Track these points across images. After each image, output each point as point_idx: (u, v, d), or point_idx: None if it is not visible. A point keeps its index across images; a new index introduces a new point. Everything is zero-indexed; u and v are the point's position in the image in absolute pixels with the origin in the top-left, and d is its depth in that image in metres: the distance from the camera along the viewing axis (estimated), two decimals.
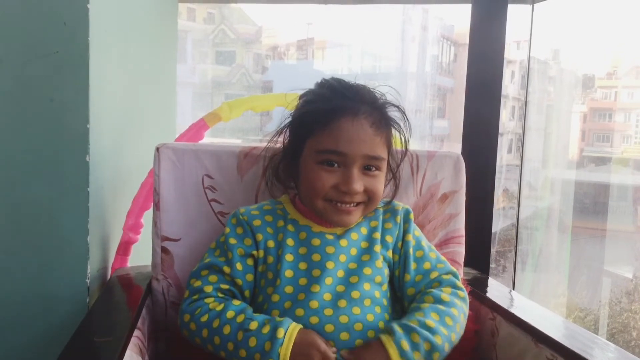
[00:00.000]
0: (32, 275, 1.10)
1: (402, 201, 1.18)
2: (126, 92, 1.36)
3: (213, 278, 0.97)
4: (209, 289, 0.96)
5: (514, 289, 1.36)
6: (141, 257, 1.29)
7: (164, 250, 1.13)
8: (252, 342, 0.88)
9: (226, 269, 0.97)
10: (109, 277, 1.25)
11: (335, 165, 0.96)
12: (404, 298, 1.00)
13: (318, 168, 0.97)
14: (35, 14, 1.06)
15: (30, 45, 1.06)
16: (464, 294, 1.00)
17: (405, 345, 0.87)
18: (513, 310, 1.07)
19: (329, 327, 0.92)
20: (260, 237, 1.00)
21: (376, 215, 1.05)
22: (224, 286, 0.97)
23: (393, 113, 1.03)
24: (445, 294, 0.97)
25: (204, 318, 0.93)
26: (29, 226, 1.10)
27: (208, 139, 1.53)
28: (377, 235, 1.02)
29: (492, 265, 1.62)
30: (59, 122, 1.07)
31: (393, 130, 1.03)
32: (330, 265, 0.97)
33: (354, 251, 0.99)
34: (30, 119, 1.07)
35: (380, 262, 0.99)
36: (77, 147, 1.08)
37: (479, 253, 1.48)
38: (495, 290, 1.21)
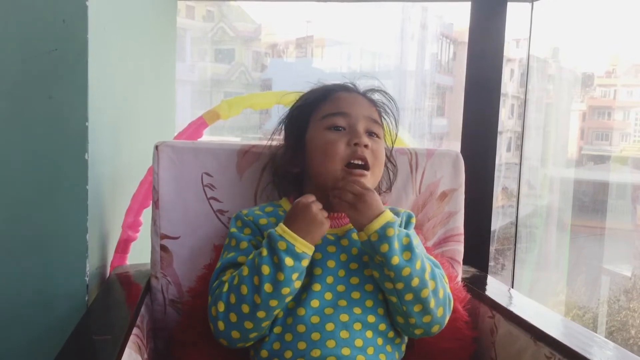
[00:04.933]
0: (31, 273, 1.10)
1: (401, 199, 1.19)
2: (125, 90, 1.36)
3: (230, 272, 0.96)
4: (226, 278, 0.95)
5: (513, 287, 1.36)
6: (140, 255, 1.29)
7: (163, 248, 1.13)
8: (263, 252, 0.90)
9: (241, 259, 0.97)
10: (107, 275, 1.25)
11: (342, 129, 1.01)
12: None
13: (327, 132, 1.01)
14: (34, 11, 1.05)
15: (29, 42, 1.06)
16: (450, 294, 0.98)
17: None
18: (512, 308, 1.07)
19: (330, 326, 0.92)
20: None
21: None
22: None
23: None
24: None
25: (225, 288, 0.92)
26: (27, 224, 1.09)
27: (207, 137, 1.53)
28: None
29: (491, 264, 1.62)
30: (57, 119, 1.07)
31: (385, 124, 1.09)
32: (331, 264, 0.97)
33: (354, 251, 0.99)
34: (29, 117, 1.07)
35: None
36: (76, 144, 1.08)
37: (478, 251, 1.48)
38: (494, 288, 1.21)
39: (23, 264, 1.10)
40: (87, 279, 1.11)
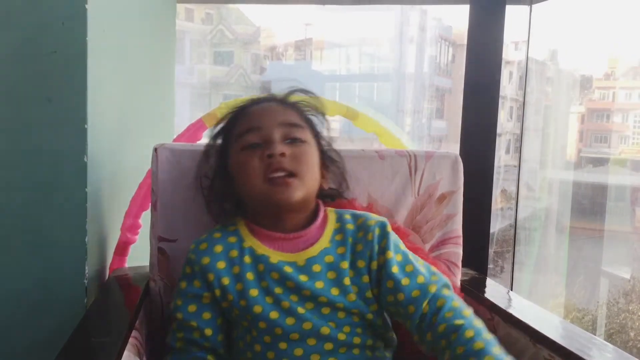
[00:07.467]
0: (30, 276, 1.10)
1: (400, 201, 1.18)
2: (124, 93, 1.36)
3: (180, 334, 0.94)
4: (179, 344, 0.93)
5: (512, 290, 1.36)
6: (139, 257, 1.29)
7: (161, 250, 1.12)
8: None
9: (178, 316, 0.94)
10: (106, 277, 1.25)
11: (257, 145, 0.93)
12: (405, 317, 0.91)
13: (243, 154, 0.94)
14: (33, 13, 1.06)
15: (29, 44, 1.06)
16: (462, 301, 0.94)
17: None
18: (511, 311, 1.07)
19: None
20: (211, 276, 0.93)
21: (344, 238, 0.96)
22: (190, 337, 0.93)
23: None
24: (465, 318, 0.87)
25: None
26: (26, 227, 1.09)
27: (206, 140, 1.52)
28: (345, 264, 0.93)
29: (490, 266, 1.62)
30: (56, 122, 1.07)
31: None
32: (294, 298, 0.91)
33: (319, 284, 0.92)
34: (28, 119, 1.07)
35: (353, 295, 0.92)
36: (75, 147, 1.08)
37: (477, 254, 1.48)
38: (494, 290, 1.21)
39: (22, 266, 1.10)
40: (86, 281, 1.11)
